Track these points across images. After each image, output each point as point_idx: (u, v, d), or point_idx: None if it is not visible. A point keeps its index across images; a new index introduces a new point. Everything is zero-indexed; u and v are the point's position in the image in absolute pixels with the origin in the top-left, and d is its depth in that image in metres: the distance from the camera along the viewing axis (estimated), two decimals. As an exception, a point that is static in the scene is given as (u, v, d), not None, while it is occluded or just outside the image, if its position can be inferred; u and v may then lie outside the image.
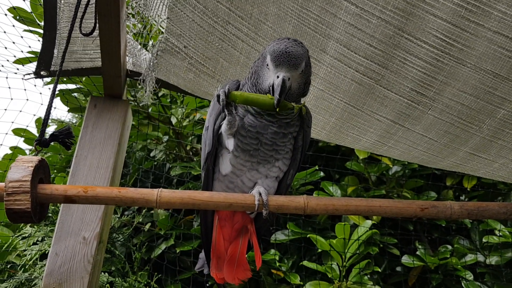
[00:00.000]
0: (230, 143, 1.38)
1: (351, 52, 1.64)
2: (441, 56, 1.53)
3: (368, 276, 3.44)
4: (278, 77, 1.29)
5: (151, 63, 1.89)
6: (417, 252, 3.75)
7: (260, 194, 1.32)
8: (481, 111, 1.63)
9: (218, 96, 1.32)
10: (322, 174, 3.87)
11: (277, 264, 3.51)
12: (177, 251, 3.81)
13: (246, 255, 1.60)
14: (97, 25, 1.74)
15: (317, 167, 3.75)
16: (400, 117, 1.78)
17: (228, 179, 1.43)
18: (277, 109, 1.30)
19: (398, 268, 4.07)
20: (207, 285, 3.63)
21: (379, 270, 3.41)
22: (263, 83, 1.34)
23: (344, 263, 3.23)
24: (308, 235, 3.38)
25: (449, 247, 3.86)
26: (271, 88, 1.31)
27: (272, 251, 3.70)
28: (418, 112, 1.73)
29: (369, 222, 3.22)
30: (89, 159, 2.05)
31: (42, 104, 2.86)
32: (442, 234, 4.16)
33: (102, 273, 3.43)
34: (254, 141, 1.36)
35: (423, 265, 3.62)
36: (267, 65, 1.33)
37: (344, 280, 3.35)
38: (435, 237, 4.28)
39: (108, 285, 3.42)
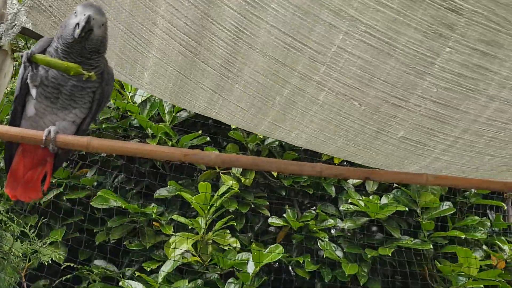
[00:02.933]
0: (34, 91, 1.70)
1: (174, 28, 1.98)
2: (237, 40, 1.90)
3: (230, 232, 3.89)
4: (84, 15, 1.60)
5: (19, 17, 2.13)
6: (284, 215, 4.22)
7: (49, 132, 1.66)
8: (271, 89, 2.03)
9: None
10: (208, 139, 4.24)
11: (154, 215, 3.87)
12: (64, 198, 4.09)
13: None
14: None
15: (200, 132, 4.12)
16: (218, 88, 2.15)
17: (32, 120, 1.76)
18: (71, 73, 1.63)
19: (271, 228, 4.57)
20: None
21: (234, 224, 3.87)
22: (68, 28, 1.64)
23: (207, 218, 3.63)
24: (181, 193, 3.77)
25: (314, 212, 4.37)
26: (76, 26, 1.62)
27: (153, 204, 4.06)
28: (229, 85, 2.10)
29: (230, 182, 3.63)
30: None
31: None
32: (311, 200, 4.66)
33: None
34: (55, 91, 1.69)
35: (289, 226, 4.11)
36: (75, 12, 1.64)
37: (209, 232, 3.77)
38: (306, 203, 4.81)
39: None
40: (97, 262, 4.27)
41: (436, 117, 1.96)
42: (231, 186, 3.72)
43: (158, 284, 3.57)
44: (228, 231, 3.90)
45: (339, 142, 2.16)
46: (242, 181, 4.04)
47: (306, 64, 1.88)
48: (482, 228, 4.43)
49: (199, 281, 3.95)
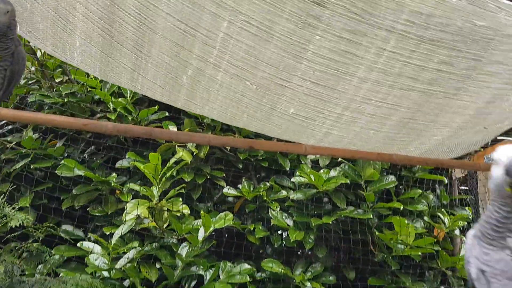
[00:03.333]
0: None
1: (90, 12, 2.26)
2: (141, 25, 2.17)
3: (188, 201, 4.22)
4: None
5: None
6: (239, 186, 4.54)
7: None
8: (177, 69, 2.31)
9: None
10: (167, 114, 4.53)
11: (114, 184, 4.20)
12: (32, 167, 4.42)
13: None
14: None
15: (157, 107, 4.41)
16: (136, 67, 2.44)
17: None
18: None
19: (230, 199, 4.91)
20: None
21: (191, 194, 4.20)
22: None
23: (159, 186, 3.96)
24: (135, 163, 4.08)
25: (268, 184, 4.69)
26: None
27: (114, 174, 4.38)
28: (144, 65, 2.39)
29: (181, 153, 3.94)
30: None
31: None
32: (269, 173, 4.97)
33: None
34: None
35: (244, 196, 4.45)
36: None
37: (162, 200, 4.10)
38: (263, 176, 5.12)
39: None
40: (65, 227, 4.60)
41: (318, 96, 2.24)
42: (181, 156, 4.03)
43: (111, 246, 3.91)
44: (180, 199, 4.23)
45: (244, 118, 2.45)
46: (196, 154, 4.34)
47: (200, 48, 2.16)
48: (424, 201, 4.74)
49: (155, 245, 4.30)
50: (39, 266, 4.28)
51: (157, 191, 4.09)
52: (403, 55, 2.09)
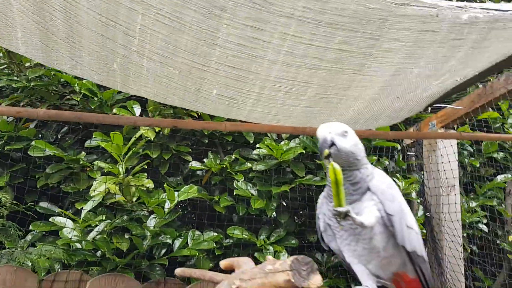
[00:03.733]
0: None
1: (22, 7, 2.45)
2: (68, 18, 2.38)
3: (149, 175, 4.48)
4: None
5: None
6: (205, 159, 4.79)
7: None
8: (107, 57, 2.53)
9: None
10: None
11: (82, 162, 4.45)
12: (5, 148, 4.66)
13: None
14: None
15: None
16: (72, 55, 2.65)
17: None
18: None
19: (199, 172, 5.17)
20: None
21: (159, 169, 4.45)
22: None
23: (123, 163, 4.21)
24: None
25: (233, 156, 4.94)
26: None
27: (83, 152, 4.63)
28: (78, 53, 2.61)
29: (141, 132, 4.18)
30: None
31: None
32: (235, 147, 5.21)
33: None
34: None
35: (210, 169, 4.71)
36: None
37: (128, 176, 4.37)
38: (229, 149, 5.37)
39: None
40: (42, 204, 4.88)
41: (236, 78, 2.47)
42: (145, 133, 4.27)
43: (81, 220, 4.20)
44: (145, 174, 4.49)
45: (175, 99, 2.68)
46: (159, 131, 4.58)
47: (123, 38, 2.37)
48: (379, 167, 5.00)
49: (125, 217, 4.59)
50: (21, 241, 4.59)
51: (123, 168, 4.35)
52: (305, 38, 2.30)
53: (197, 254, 4.44)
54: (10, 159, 4.90)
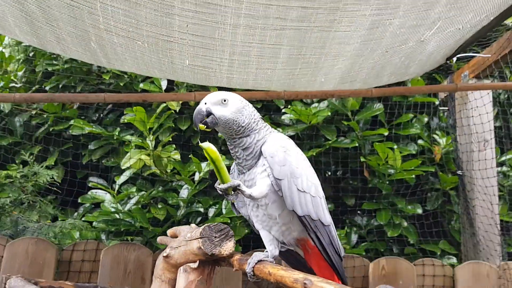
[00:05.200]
0: None
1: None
2: (42, 3, 2.48)
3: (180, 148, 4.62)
4: None
5: None
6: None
7: None
8: (83, 37, 2.61)
9: None
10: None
11: (116, 137, 4.68)
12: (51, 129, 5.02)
13: None
14: None
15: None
16: (57, 38, 2.77)
17: None
18: None
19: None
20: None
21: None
22: None
23: (150, 136, 4.37)
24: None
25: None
26: None
27: (118, 128, 4.86)
28: (61, 36, 2.72)
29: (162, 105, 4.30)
30: None
31: None
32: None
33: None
34: None
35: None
36: None
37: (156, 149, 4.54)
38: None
39: None
40: (92, 179, 5.22)
41: (203, 46, 2.44)
42: (169, 106, 4.38)
43: (115, 191, 4.46)
44: (174, 146, 4.63)
45: (156, 71, 2.71)
46: (186, 102, 4.67)
47: (89, 17, 2.43)
48: (417, 124, 4.72)
49: (160, 188, 4.79)
50: (75, 214, 4.99)
51: (151, 141, 4.51)
52: (261, -3, 2.20)
53: (229, 221, 4.53)
54: (59, 138, 5.26)
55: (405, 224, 4.59)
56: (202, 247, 1.75)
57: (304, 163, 2.10)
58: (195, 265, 1.86)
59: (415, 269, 3.81)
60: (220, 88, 2.85)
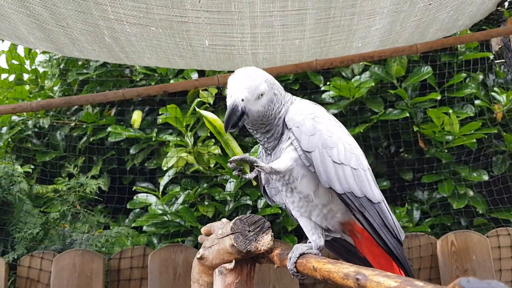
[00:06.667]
0: None
1: (7, 4, 2.48)
2: (47, 2, 2.34)
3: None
4: None
5: None
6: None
7: None
8: (96, 31, 2.45)
9: None
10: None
11: (154, 138, 4.55)
12: (91, 140, 4.99)
13: None
14: None
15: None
16: (70, 39, 2.63)
17: None
18: None
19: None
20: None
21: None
22: None
23: (188, 134, 4.22)
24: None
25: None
26: None
27: (155, 129, 4.74)
28: (74, 36, 2.57)
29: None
30: None
31: None
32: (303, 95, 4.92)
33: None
34: None
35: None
36: None
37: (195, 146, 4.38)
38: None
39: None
40: (138, 183, 5.14)
41: (220, 23, 2.22)
42: (204, 99, 4.20)
43: (160, 193, 4.34)
44: (213, 140, 4.44)
45: (177, 60, 2.52)
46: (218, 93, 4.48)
47: (97, 8, 2.26)
48: (472, 84, 4.30)
49: (205, 184, 4.63)
50: (126, 221, 4.93)
51: (189, 138, 4.35)
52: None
53: (279, 212, 4.31)
54: (102, 146, 5.22)
55: (471, 193, 4.20)
56: (235, 244, 1.53)
57: (339, 130, 1.78)
58: (231, 265, 1.64)
59: (488, 242, 3.44)
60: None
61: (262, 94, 1.68)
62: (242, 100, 1.65)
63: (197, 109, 1.66)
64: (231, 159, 1.65)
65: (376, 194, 1.76)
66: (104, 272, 3.14)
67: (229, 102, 1.63)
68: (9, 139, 5.05)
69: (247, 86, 1.65)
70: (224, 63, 2.60)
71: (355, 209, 1.68)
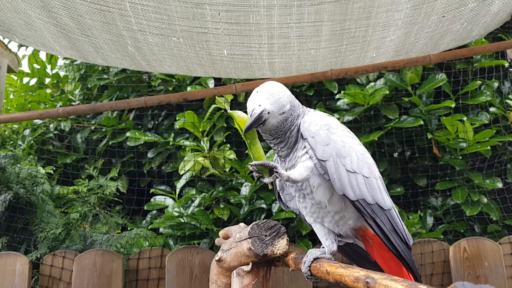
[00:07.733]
0: None
1: (37, 14, 2.60)
2: (74, 13, 2.45)
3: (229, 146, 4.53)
4: None
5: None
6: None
7: None
8: (119, 41, 2.55)
9: None
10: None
11: (171, 142, 4.65)
12: (110, 143, 5.11)
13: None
14: None
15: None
16: (94, 47, 2.74)
17: None
18: None
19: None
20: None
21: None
22: None
23: (204, 139, 4.31)
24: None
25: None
26: None
27: (172, 134, 4.83)
28: (98, 44, 2.68)
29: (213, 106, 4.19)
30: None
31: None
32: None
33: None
34: None
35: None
36: None
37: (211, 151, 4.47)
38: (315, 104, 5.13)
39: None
40: (155, 185, 5.26)
41: (239, 33, 2.31)
42: (220, 106, 4.29)
43: (176, 195, 4.44)
44: (229, 145, 4.53)
45: (196, 68, 2.62)
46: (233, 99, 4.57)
47: (121, 19, 2.37)
48: (487, 91, 4.33)
49: (221, 188, 4.72)
50: (143, 222, 5.04)
51: (205, 143, 4.44)
52: (293, -29, 2.03)
53: (294, 216, 4.38)
54: (122, 149, 5.35)
55: (485, 200, 4.23)
56: (252, 247, 1.61)
57: (351, 141, 1.87)
58: (248, 267, 1.73)
59: (501, 248, 3.46)
60: (263, 80, 2.70)
61: (283, 113, 1.78)
62: (268, 112, 1.76)
63: (228, 110, 1.76)
64: (252, 163, 1.75)
65: (386, 201, 1.84)
66: (123, 271, 3.24)
67: (258, 110, 1.74)
68: (32, 142, 5.20)
69: (275, 102, 1.77)
70: (242, 71, 2.69)
71: (367, 215, 1.77)
